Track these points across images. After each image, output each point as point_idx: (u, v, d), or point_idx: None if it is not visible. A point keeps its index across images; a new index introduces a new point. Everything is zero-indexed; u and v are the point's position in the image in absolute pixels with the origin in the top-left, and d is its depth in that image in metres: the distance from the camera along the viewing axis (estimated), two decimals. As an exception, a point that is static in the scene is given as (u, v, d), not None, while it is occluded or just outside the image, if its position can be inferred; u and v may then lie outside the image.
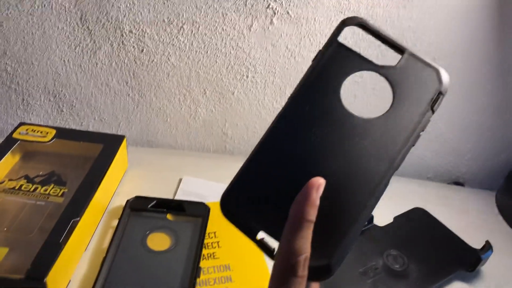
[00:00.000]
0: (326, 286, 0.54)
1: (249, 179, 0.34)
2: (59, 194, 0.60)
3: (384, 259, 0.60)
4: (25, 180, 0.62)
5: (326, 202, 0.33)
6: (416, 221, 0.67)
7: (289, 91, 0.75)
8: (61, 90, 0.78)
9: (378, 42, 0.38)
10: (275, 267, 0.32)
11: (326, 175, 0.33)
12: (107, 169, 0.64)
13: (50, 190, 0.61)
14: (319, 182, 0.32)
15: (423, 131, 0.35)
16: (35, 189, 0.61)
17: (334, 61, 0.37)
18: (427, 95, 0.36)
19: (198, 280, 0.54)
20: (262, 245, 0.33)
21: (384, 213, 0.66)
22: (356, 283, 0.56)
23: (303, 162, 0.34)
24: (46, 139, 0.68)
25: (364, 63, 0.37)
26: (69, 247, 0.53)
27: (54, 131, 0.69)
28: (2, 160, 0.63)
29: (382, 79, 0.36)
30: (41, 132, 0.69)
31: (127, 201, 0.63)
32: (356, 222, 0.33)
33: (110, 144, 0.69)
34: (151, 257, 0.56)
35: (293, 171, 0.34)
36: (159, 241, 0.59)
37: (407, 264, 0.59)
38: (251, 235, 0.33)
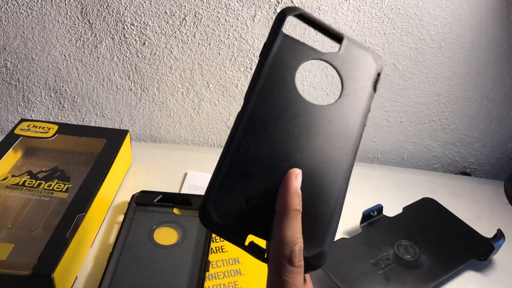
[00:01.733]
0: (338, 278, 0.54)
1: (223, 184, 0.33)
2: (63, 190, 0.59)
3: (395, 249, 0.59)
4: (28, 176, 0.61)
5: (306, 192, 0.33)
6: (426, 211, 0.66)
7: (293, 82, 0.74)
8: (62, 86, 0.77)
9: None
10: (271, 262, 0.32)
11: (300, 166, 0.34)
12: (111, 164, 0.63)
13: (54, 185, 0.60)
14: (296, 172, 0.33)
15: (370, 111, 0.38)
16: (39, 184, 0.60)
17: (283, 53, 0.37)
18: (369, 77, 0.39)
19: (207, 273, 0.53)
20: (252, 249, 0.33)
21: (392, 204, 0.66)
22: (368, 274, 0.55)
23: (276, 158, 0.34)
24: (48, 135, 0.67)
25: (311, 52, 0.38)
26: (75, 242, 0.52)
27: (56, 127, 0.68)
28: (4, 157, 0.62)
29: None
30: (43, 128, 0.68)
31: (133, 195, 0.62)
32: (337, 206, 0.34)
33: (113, 138, 0.68)
34: (159, 251, 0.55)
35: (267, 168, 0.34)
36: (166, 236, 0.58)
37: (419, 254, 0.58)
38: (239, 242, 0.32)
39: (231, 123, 0.80)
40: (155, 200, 0.62)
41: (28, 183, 0.59)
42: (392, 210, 0.65)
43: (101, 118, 0.81)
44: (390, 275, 0.55)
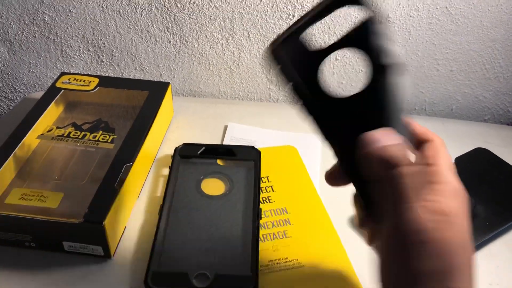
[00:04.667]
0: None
1: None
2: (109, 140, 0.59)
3: (449, 199, 0.56)
4: (73, 128, 0.60)
5: None
6: (480, 161, 0.63)
7: (338, 30, 0.71)
8: (100, 39, 0.76)
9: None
10: None
11: None
12: (155, 116, 0.62)
13: (99, 136, 0.59)
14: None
15: None
16: (84, 136, 0.59)
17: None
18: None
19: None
20: None
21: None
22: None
23: None
24: (89, 88, 0.66)
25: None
26: (124, 192, 0.52)
27: (97, 80, 0.67)
28: (47, 110, 0.61)
29: None
30: (84, 81, 0.67)
31: (176, 148, 0.61)
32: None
33: (155, 91, 0.66)
34: (209, 202, 0.54)
35: None
36: (214, 186, 0.57)
37: (474, 204, 0.56)
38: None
39: (272, 75, 0.78)
40: (198, 152, 0.61)
41: (73, 135, 0.59)
42: (443, 161, 0.62)
43: (140, 72, 0.79)
44: (445, 225, 0.53)
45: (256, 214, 0.52)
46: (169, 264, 0.48)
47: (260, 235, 0.52)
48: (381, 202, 0.33)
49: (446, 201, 0.30)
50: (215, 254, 0.49)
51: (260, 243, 0.50)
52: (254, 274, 0.46)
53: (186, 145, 0.62)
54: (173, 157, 0.60)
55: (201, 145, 0.62)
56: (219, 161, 0.61)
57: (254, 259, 0.48)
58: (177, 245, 0.50)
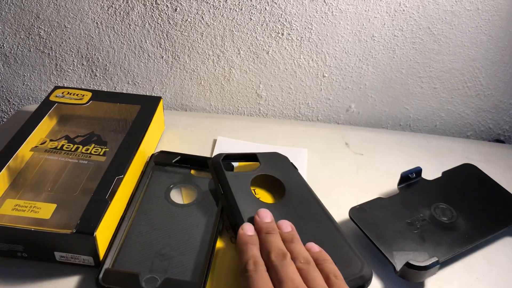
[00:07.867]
0: (373, 235, 0.54)
1: None
2: (101, 153, 0.60)
3: (432, 211, 0.58)
4: (66, 141, 0.62)
5: None
6: (466, 176, 0.65)
7: (325, 48, 0.73)
8: (94, 54, 0.77)
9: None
10: None
11: None
12: (146, 129, 0.63)
13: (92, 149, 0.61)
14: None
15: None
16: (77, 148, 0.60)
17: (235, 181, 0.58)
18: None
19: (221, 234, 0.55)
20: None
21: (430, 169, 0.65)
22: (403, 233, 0.55)
23: None
24: (82, 102, 0.67)
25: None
26: (114, 204, 0.53)
27: (90, 94, 0.69)
28: (41, 123, 0.63)
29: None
30: (77, 95, 0.68)
31: (152, 155, 0.63)
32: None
33: (147, 105, 0.68)
34: (175, 210, 0.56)
35: None
36: (183, 195, 0.59)
37: (456, 217, 0.58)
38: None
39: (261, 91, 0.80)
40: (173, 161, 0.63)
41: (66, 147, 0.60)
42: (427, 176, 0.64)
43: (133, 87, 0.81)
44: (426, 235, 0.55)
45: (217, 224, 0.54)
46: (123, 264, 0.49)
47: (228, 244, 0.54)
48: None
49: None
50: (170, 259, 0.50)
51: (225, 251, 0.53)
52: (201, 281, 0.48)
53: (162, 153, 0.64)
54: (147, 163, 0.62)
55: (177, 154, 0.63)
56: (192, 171, 0.62)
57: (204, 266, 0.49)
58: (135, 247, 0.51)
